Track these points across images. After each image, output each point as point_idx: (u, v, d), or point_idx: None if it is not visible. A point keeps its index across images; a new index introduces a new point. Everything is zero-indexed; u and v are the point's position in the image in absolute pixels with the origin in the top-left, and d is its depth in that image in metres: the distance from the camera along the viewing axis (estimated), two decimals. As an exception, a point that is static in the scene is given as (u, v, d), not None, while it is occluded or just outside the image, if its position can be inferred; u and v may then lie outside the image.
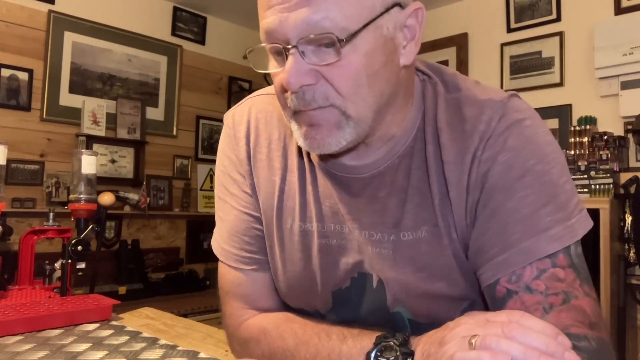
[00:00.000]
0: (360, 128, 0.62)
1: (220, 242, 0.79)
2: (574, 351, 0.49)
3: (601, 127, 2.70)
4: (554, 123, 2.94)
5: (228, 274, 0.78)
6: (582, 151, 2.64)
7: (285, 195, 0.74)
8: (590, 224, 0.67)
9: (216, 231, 0.80)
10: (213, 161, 3.87)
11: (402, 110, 0.67)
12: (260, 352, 0.71)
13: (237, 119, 0.81)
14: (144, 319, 1.19)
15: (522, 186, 0.62)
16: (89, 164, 1.37)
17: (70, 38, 2.96)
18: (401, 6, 0.61)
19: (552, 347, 0.46)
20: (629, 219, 2.38)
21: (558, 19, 2.97)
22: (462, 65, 3.37)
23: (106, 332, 1.04)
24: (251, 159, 0.77)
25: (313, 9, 0.56)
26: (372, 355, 0.57)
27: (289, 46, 0.60)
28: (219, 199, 0.80)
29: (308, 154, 0.72)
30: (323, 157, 0.70)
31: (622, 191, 2.40)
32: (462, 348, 0.48)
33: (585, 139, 2.66)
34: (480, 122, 0.64)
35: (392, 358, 0.55)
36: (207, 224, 3.56)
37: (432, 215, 0.65)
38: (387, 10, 0.59)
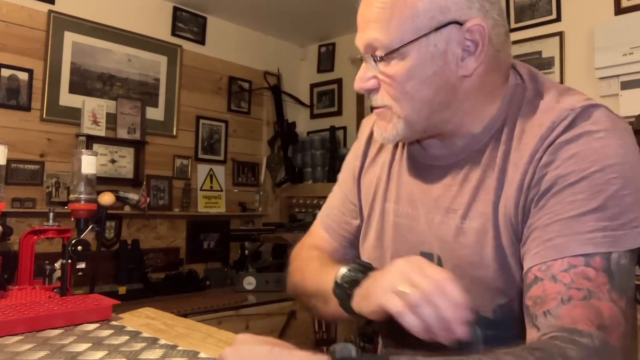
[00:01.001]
0: (411, 125, 0.75)
1: (323, 208, 1.02)
2: (572, 345, 0.55)
3: (601, 127, 2.70)
4: (554, 123, 2.94)
5: (314, 226, 1.03)
6: (582, 151, 2.64)
7: (381, 180, 0.88)
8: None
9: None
10: (213, 161, 3.89)
11: (481, 111, 0.75)
12: (293, 280, 0.96)
13: (364, 123, 1.00)
14: (144, 319, 1.19)
15: (574, 191, 0.65)
16: (89, 164, 1.37)
17: (70, 38, 2.96)
18: (460, 23, 0.69)
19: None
20: (629, 219, 2.38)
21: (558, 19, 2.97)
22: (462, 65, 3.37)
23: (106, 332, 1.04)
24: (367, 156, 0.94)
25: (368, 32, 0.75)
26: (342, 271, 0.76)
27: (358, 56, 0.81)
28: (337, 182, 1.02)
29: (402, 145, 0.86)
30: (410, 146, 0.84)
31: (622, 191, 2.40)
32: (394, 285, 0.61)
33: (585, 139, 2.66)
34: (545, 129, 0.68)
35: (352, 272, 0.73)
36: (207, 224, 3.57)
37: (490, 210, 0.71)
38: (438, 29, 0.69)
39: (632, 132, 0.70)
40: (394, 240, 0.84)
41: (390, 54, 0.71)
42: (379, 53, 0.73)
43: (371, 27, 0.74)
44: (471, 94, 0.74)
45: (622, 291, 0.61)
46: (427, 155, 0.82)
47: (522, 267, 0.68)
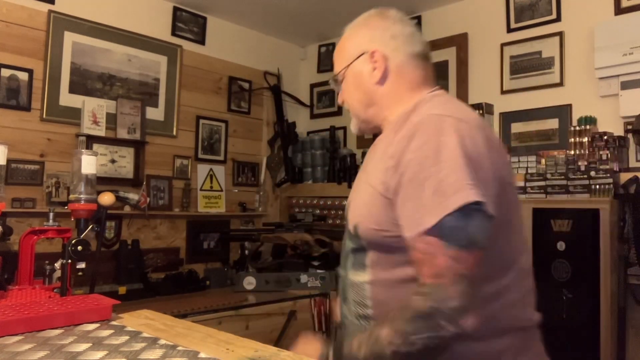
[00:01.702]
0: (359, 119, 1.15)
1: None
2: (416, 296, 0.86)
3: (601, 127, 2.70)
4: (554, 123, 2.94)
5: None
6: (582, 151, 2.64)
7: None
8: (463, 200, 0.84)
9: None
10: (213, 161, 3.89)
11: (395, 110, 1.07)
12: None
13: None
14: (144, 319, 1.19)
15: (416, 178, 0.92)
16: (89, 164, 1.37)
17: (70, 38, 2.96)
18: (366, 52, 1.09)
19: None
20: (629, 219, 2.38)
21: (558, 19, 2.97)
22: (462, 65, 3.37)
23: (106, 332, 1.04)
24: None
25: (334, 62, 1.16)
26: None
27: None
28: None
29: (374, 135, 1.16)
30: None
31: (622, 191, 2.40)
32: None
33: (585, 139, 2.66)
34: (411, 123, 0.96)
35: None
36: (207, 224, 3.56)
37: (381, 174, 0.96)
38: (357, 58, 1.10)
39: (461, 129, 0.90)
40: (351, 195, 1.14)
41: (339, 77, 1.14)
42: (336, 78, 1.15)
43: (334, 63, 1.17)
44: (385, 96, 1.09)
45: (456, 242, 0.83)
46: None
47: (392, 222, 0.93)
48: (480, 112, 3.12)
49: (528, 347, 0.99)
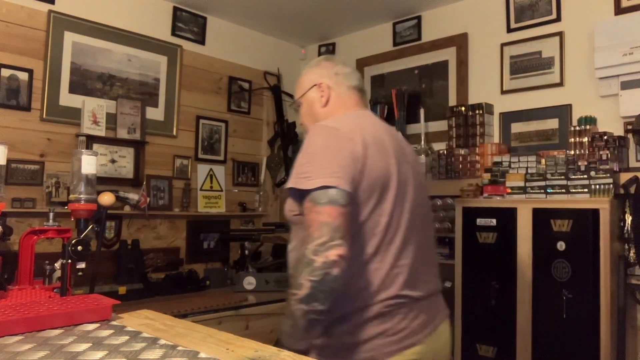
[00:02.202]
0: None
1: None
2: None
3: (601, 127, 2.70)
4: (554, 123, 2.94)
5: None
6: (582, 151, 2.64)
7: None
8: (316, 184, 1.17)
9: None
10: (213, 161, 3.89)
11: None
12: None
13: None
14: (144, 319, 1.19)
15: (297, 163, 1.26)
16: (89, 164, 1.37)
17: (70, 38, 2.96)
18: (317, 84, 1.46)
19: None
20: (629, 219, 2.38)
21: (558, 19, 2.97)
22: (462, 65, 3.37)
23: (106, 332, 1.04)
24: None
25: (295, 94, 1.53)
26: None
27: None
28: None
29: None
30: None
31: (622, 191, 2.40)
32: None
33: (585, 139, 2.65)
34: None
35: None
36: (207, 224, 3.56)
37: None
38: (310, 89, 1.47)
39: (326, 132, 1.27)
40: None
41: (297, 104, 1.53)
42: (296, 104, 1.54)
43: (295, 95, 1.54)
44: (328, 115, 1.43)
45: (323, 204, 1.14)
46: None
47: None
48: (480, 112, 3.12)
49: (391, 315, 1.21)
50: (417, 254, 1.28)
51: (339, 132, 1.25)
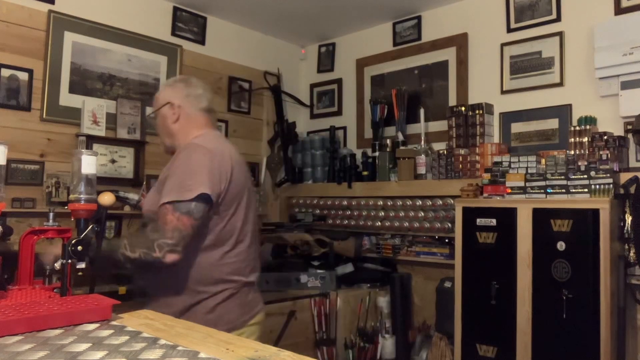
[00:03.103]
0: (165, 145, 1.77)
1: None
2: (151, 230, 1.50)
3: (601, 127, 2.70)
4: (554, 123, 2.94)
5: None
6: (582, 151, 2.64)
7: None
8: (191, 196, 1.48)
9: None
10: (213, 161, 3.84)
11: (183, 140, 1.68)
12: None
13: None
14: (144, 319, 1.19)
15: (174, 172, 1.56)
16: (89, 164, 1.37)
17: (70, 38, 2.96)
18: (170, 103, 1.70)
19: None
20: (629, 219, 2.38)
21: (558, 19, 2.97)
22: (462, 65, 3.37)
23: (106, 332, 1.04)
24: None
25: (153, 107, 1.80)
26: None
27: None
28: None
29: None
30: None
31: (622, 191, 2.40)
32: None
33: (585, 139, 2.65)
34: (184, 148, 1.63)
35: None
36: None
37: (161, 178, 1.59)
38: (163, 106, 1.71)
39: (201, 151, 1.56)
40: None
41: (152, 116, 1.78)
42: (151, 116, 1.80)
43: (153, 104, 1.77)
44: (178, 132, 1.71)
45: (181, 213, 1.45)
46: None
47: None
48: (480, 112, 3.12)
49: (235, 292, 1.62)
50: (255, 249, 1.72)
51: (212, 153, 1.55)
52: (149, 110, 3.29)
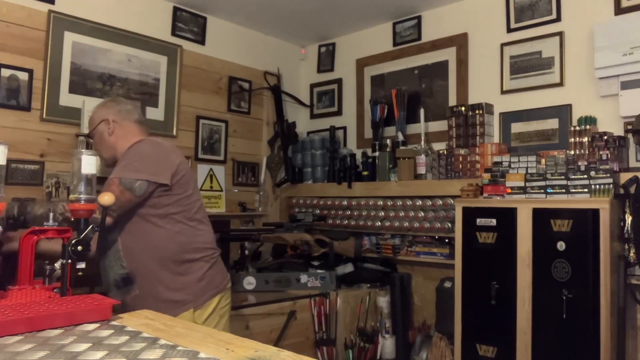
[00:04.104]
0: (105, 158, 1.96)
1: None
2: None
3: (601, 127, 2.70)
4: (554, 123, 2.94)
5: None
6: (582, 151, 2.64)
7: None
8: (135, 177, 1.75)
9: None
10: (213, 161, 3.89)
11: (122, 148, 1.89)
12: None
13: None
14: (144, 319, 1.19)
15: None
16: (89, 164, 1.37)
17: (70, 38, 2.96)
18: (105, 120, 1.96)
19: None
20: (629, 219, 2.38)
21: (558, 19, 2.97)
22: (462, 65, 3.37)
23: (106, 332, 1.04)
24: None
25: (88, 126, 2.07)
26: None
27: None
28: None
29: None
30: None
31: (622, 191, 2.40)
32: None
33: (585, 139, 2.66)
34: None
35: None
36: (207, 224, 3.56)
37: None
38: (99, 124, 1.96)
39: (149, 144, 1.88)
40: None
41: (91, 135, 2.00)
42: (89, 135, 2.03)
43: (88, 127, 2.03)
44: (117, 142, 1.93)
45: (124, 187, 1.72)
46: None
47: None
48: (480, 112, 3.12)
49: (215, 260, 1.93)
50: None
51: (158, 144, 1.89)
52: (149, 110, 3.30)
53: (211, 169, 3.62)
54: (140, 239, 1.79)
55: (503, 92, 3.17)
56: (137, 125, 1.99)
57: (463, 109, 3.21)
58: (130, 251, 1.79)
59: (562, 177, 2.48)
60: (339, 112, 4.12)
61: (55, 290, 1.35)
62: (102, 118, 1.95)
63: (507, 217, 2.52)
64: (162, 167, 1.79)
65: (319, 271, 3.18)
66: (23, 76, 2.77)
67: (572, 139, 2.70)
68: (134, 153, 1.80)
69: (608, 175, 2.38)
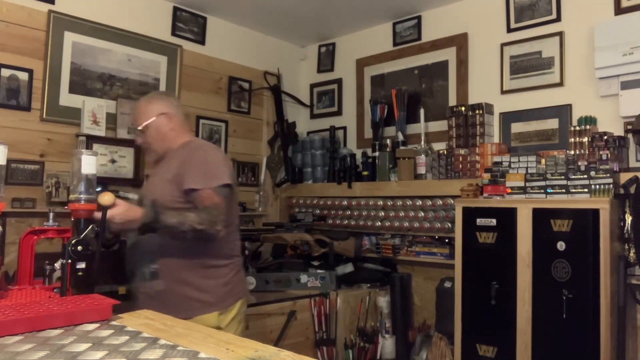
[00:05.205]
0: (157, 154, 1.97)
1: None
2: (201, 211, 1.72)
3: (601, 127, 2.70)
4: (554, 123, 2.94)
5: None
6: (582, 151, 2.64)
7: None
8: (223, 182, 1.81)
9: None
10: (213, 161, 3.83)
11: (175, 143, 1.95)
12: None
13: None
14: (144, 319, 1.19)
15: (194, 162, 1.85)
16: (89, 164, 1.37)
17: (70, 38, 2.96)
18: (163, 113, 1.93)
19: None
20: (629, 219, 2.38)
21: (558, 19, 2.97)
22: (462, 65, 3.37)
23: (106, 332, 1.04)
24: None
25: (137, 121, 1.97)
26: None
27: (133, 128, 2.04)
28: None
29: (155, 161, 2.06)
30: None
31: (622, 191, 2.40)
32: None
33: (585, 139, 2.65)
34: (192, 146, 1.94)
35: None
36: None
37: (172, 172, 1.82)
38: (155, 118, 1.92)
39: (217, 148, 2.09)
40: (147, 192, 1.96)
41: (142, 129, 1.93)
42: (140, 129, 1.94)
43: (136, 120, 1.96)
44: (174, 137, 1.94)
45: (222, 196, 1.76)
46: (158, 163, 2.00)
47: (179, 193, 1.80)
48: (480, 112, 3.12)
49: (239, 268, 1.95)
50: None
51: (221, 151, 2.08)
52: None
53: (211, 169, 3.61)
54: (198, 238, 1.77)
55: (503, 92, 3.17)
56: (184, 121, 2.03)
57: (463, 109, 3.21)
58: (163, 249, 1.79)
59: (562, 177, 2.48)
60: (339, 112, 4.12)
61: (55, 290, 1.35)
62: (160, 111, 1.92)
63: (507, 217, 2.52)
64: (230, 169, 1.86)
65: (319, 271, 3.18)
66: (23, 76, 2.77)
67: (572, 139, 2.70)
68: (209, 158, 1.83)
69: (608, 175, 2.38)
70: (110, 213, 1.45)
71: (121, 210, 1.51)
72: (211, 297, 1.81)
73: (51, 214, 1.45)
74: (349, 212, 3.58)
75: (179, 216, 1.65)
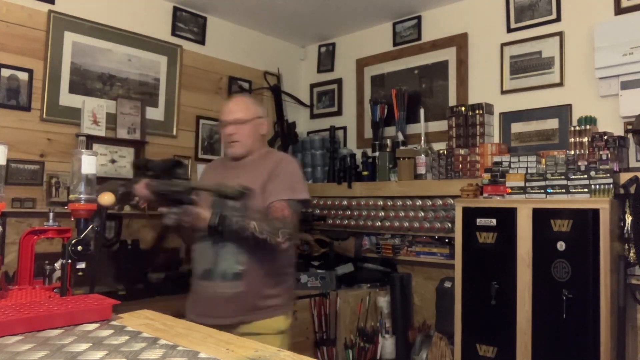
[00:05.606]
0: (245, 149, 1.95)
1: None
2: (274, 220, 1.78)
3: (601, 127, 2.70)
4: (553, 123, 2.94)
5: None
6: (582, 151, 2.64)
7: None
8: (303, 197, 1.90)
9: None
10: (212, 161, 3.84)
11: (259, 149, 1.99)
12: None
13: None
14: (144, 319, 1.19)
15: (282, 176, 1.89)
16: (89, 164, 1.37)
17: (70, 38, 2.96)
18: (260, 117, 1.99)
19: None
20: (629, 219, 2.38)
21: (558, 19, 2.97)
22: (462, 65, 3.37)
23: (106, 332, 1.04)
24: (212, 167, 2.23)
25: (235, 113, 1.94)
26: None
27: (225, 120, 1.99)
28: None
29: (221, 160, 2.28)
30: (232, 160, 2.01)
31: (622, 191, 2.40)
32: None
33: (585, 139, 2.65)
34: (276, 156, 2.02)
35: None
36: (207, 224, 3.55)
37: (259, 182, 1.83)
38: (256, 118, 1.96)
39: (297, 162, 2.04)
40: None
41: (241, 121, 1.92)
42: (240, 120, 1.93)
43: (237, 111, 1.94)
44: (261, 142, 2.01)
45: (294, 210, 1.82)
46: (236, 160, 2.00)
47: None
48: (480, 112, 3.12)
49: (294, 277, 2.03)
50: None
51: (298, 164, 2.04)
52: (149, 110, 3.30)
53: (211, 169, 3.61)
54: (263, 245, 1.79)
55: (503, 92, 3.17)
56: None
57: (463, 109, 3.21)
58: (250, 251, 1.80)
59: (562, 177, 2.48)
60: (339, 112, 4.12)
61: (55, 290, 1.35)
62: (261, 115, 2.00)
63: (507, 217, 2.52)
64: (306, 185, 1.93)
65: (319, 271, 3.18)
66: (23, 76, 2.77)
67: (572, 139, 2.70)
68: (291, 173, 1.90)
69: (608, 175, 2.38)
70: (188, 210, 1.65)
71: (197, 211, 1.67)
72: (281, 300, 1.89)
73: (51, 214, 1.45)
74: (349, 212, 3.58)
75: (242, 222, 1.68)
